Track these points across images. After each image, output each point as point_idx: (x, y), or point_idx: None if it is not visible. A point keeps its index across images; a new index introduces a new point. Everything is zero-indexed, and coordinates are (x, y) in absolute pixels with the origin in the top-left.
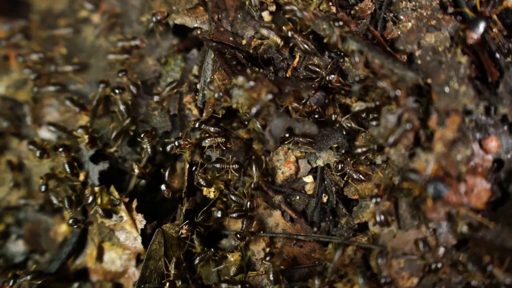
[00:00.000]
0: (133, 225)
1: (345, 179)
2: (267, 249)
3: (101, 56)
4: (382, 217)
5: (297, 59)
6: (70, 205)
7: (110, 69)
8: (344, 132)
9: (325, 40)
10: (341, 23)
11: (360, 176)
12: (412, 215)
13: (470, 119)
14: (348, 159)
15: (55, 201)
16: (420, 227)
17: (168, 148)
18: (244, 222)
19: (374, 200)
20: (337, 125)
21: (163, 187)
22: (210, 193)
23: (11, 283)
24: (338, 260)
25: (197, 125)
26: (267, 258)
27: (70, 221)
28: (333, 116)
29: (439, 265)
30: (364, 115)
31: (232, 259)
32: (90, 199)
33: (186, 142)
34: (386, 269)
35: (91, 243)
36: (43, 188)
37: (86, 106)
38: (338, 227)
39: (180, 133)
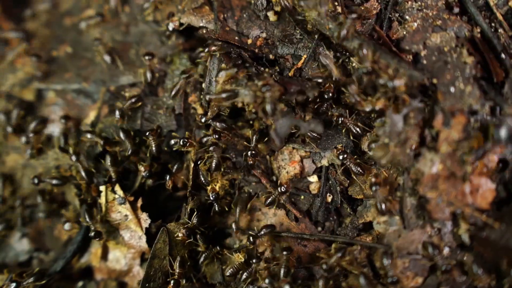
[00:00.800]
0: (138, 224)
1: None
2: (285, 244)
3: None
4: (383, 205)
5: (302, 60)
6: (91, 217)
7: (115, 68)
8: (351, 136)
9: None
10: (354, 15)
11: (359, 169)
12: (417, 215)
13: (475, 119)
14: (355, 156)
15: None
16: (425, 227)
17: (172, 141)
18: (264, 229)
19: (373, 188)
20: (344, 130)
21: (167, 177)
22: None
23: (13, 287)
24: (334, 261)
25: (203, 120)
26: (284, 253)
27: (92, 234)
28: (339, 119)
29: (449, 267)
30: (372, 115)
31: (236, 258)
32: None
33: (190, 143)
34: (392, 269)
35: (96, 242)
36: (35, 180)
37: None
38: (343, 226)
39: (187, 133)
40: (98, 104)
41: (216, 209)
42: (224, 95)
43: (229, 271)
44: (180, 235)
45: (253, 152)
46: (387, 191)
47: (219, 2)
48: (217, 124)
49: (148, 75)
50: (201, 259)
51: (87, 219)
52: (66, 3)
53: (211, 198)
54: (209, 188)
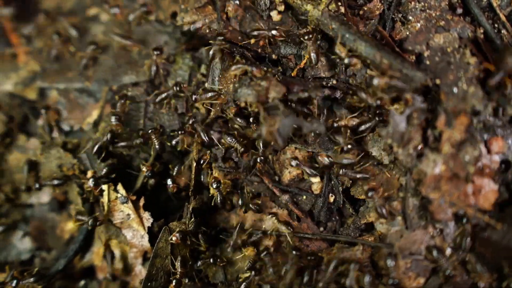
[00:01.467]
0: (140, 223)
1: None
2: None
3: (109, 54)
4: (384, 210)
5: (304, 61)
6: (112, 258)
7: (118, 67)
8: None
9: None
10: None
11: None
12: (420, 215)
13: (478, 120)
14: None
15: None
16: (427, 227)
17: (174, 142)
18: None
19: (369, 194)
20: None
21: (169, 181)
22: None
23: (14, 284)
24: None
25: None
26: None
27: (108, 275)
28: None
29: (452, 273)
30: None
31: (246, 253)
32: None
33: (188, 133)
34: (395, 271)
35: (98, 241)
36: (37, 185)
37: None
38: (345, 227)
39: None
40: (101, 103)
41: (218, 200)
42: (209, 95)
43: (248, 265)
44: (174, 238)
45: (262, 158)
46: (385, 193)
47: (222, 2)
48: (238, 119)
49: (153, 69)
50: (199, 263)
51: (108, 262)
52: (69, 2)
53: (213, 187)
54: (210, 179)
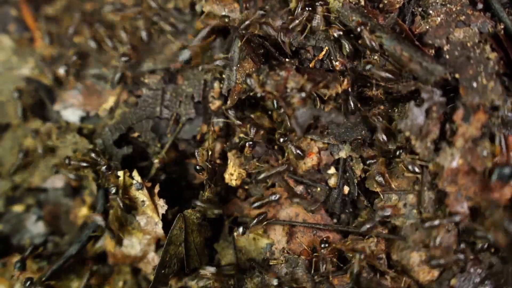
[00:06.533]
0: (154, 210)
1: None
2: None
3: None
4: (381, 178)
5: (323, 52)
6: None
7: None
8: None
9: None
10: None
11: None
12: (435, 209)
13: (496, 115)
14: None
15: None
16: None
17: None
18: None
19: (368, 162)
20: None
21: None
22: (232, 180)
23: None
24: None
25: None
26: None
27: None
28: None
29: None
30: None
31: None
32: (113, 190)
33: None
34: None
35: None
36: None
37: None
38: (359, 219)
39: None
40: (118, 90)
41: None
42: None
43: None
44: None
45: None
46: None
47: None
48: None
49: None
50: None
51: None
52: None
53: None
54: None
